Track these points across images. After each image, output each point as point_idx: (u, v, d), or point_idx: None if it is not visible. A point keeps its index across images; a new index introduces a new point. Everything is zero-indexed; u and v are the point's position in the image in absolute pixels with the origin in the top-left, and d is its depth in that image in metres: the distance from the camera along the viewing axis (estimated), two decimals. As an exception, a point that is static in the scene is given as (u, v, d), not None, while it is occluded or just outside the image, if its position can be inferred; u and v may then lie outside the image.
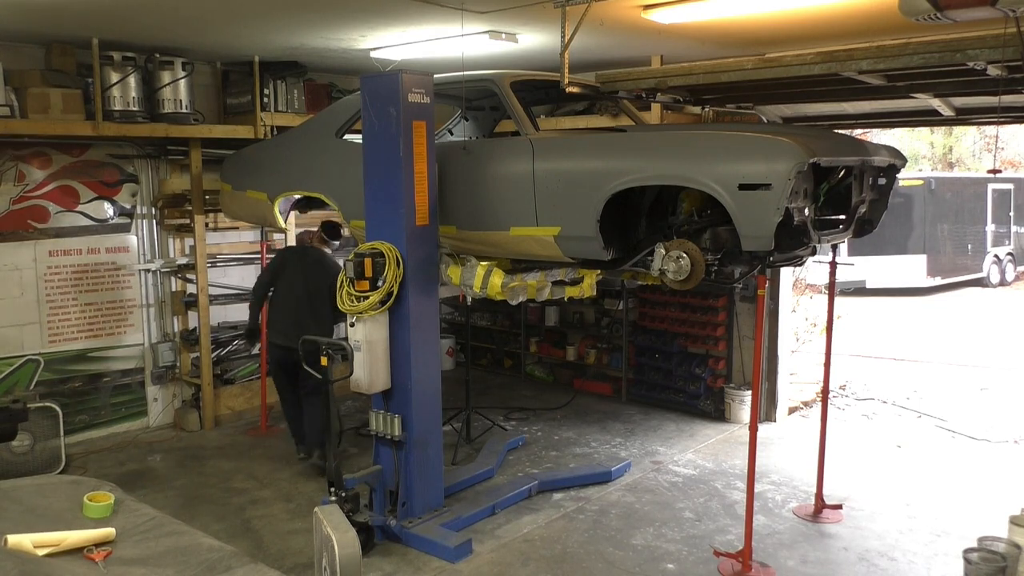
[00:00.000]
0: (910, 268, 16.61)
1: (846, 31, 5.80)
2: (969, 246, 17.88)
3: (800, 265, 6.50)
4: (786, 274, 7.95)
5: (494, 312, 9.71)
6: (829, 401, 6.25)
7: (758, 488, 5.94)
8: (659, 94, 5.98)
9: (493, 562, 5.06)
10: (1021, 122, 7.87)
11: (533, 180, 4.94)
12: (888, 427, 7.87)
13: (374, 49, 6.85)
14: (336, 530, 3.82)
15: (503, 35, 6.07)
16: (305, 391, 6.41)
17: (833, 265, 5.72)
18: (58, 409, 6.48)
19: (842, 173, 4.87)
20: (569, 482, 6.22)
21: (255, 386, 7.93)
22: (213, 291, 7.83)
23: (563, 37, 5.02)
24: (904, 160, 5.30)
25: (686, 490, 6.19)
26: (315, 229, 7.08)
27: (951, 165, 26.15)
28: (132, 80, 6.65)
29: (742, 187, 4.12)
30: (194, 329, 7.75)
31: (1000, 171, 21.11)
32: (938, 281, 17.03)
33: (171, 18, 5.62)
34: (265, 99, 7.42)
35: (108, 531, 3.69)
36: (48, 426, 6.42)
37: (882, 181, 5.24)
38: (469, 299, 6.58)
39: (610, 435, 7.44)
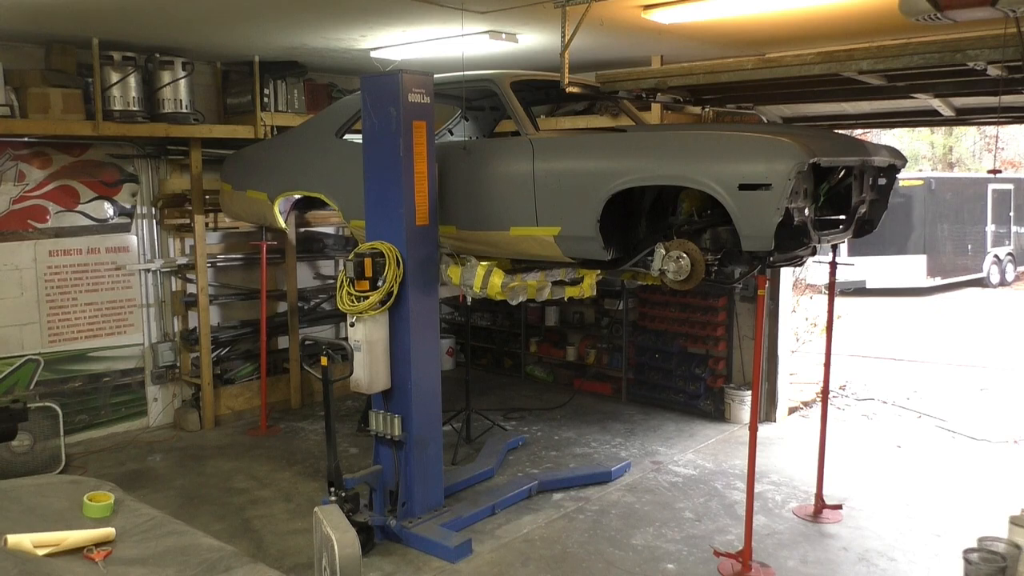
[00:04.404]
0: (910, 268, 16.60)
1: (846, 31, 5.80)
2: (969, 246, 17.86)
3: (800, 265, 6.50)
4: (786, 274, 7.94)
5: (494, 312, 9.70)
6: (829, 401, 6.24)
7: (758, 488, 5.94)
8: (659, 94, 5.98)
9: (493, 562, 5.06)
10: (1021, 122, 7.87)
11: (533, 180, 4.94)
12: (888, 427, 7.87)
13: (374, 49, 6.84)
14: (336, 530, 3.81)
15: (503, 35, 6.07)
16: None
17: (833, 265, 5.72)
18: (58, 409, 6.49)
19: (842, 173, 4.87)
20: (569, 482, 6.22)
21: (255, 386, 7.92)
22: (213, 291, 7.83)
23: (563, 37, 5.03)
24: (904, 160, 5.30)
25: (686, 490, 6.19)
26: None
27: (951, 165, 26.15)
28: (132, 80, 6.65)
29: (742, 187, 4.13)
30: (194, 329, 7.75)
31: (1000, 171, 21.09)
32: (938, 281, 17.02)
33: (171, 18, 5.62)
34: (265, 99, 7.42)
35: (108, 531, 3.69)
36: (48, 426, 6.43)
37: (882, 181, 5.24)
38: (469, 299, 6.58)
39: (610, 435, 7.44)
